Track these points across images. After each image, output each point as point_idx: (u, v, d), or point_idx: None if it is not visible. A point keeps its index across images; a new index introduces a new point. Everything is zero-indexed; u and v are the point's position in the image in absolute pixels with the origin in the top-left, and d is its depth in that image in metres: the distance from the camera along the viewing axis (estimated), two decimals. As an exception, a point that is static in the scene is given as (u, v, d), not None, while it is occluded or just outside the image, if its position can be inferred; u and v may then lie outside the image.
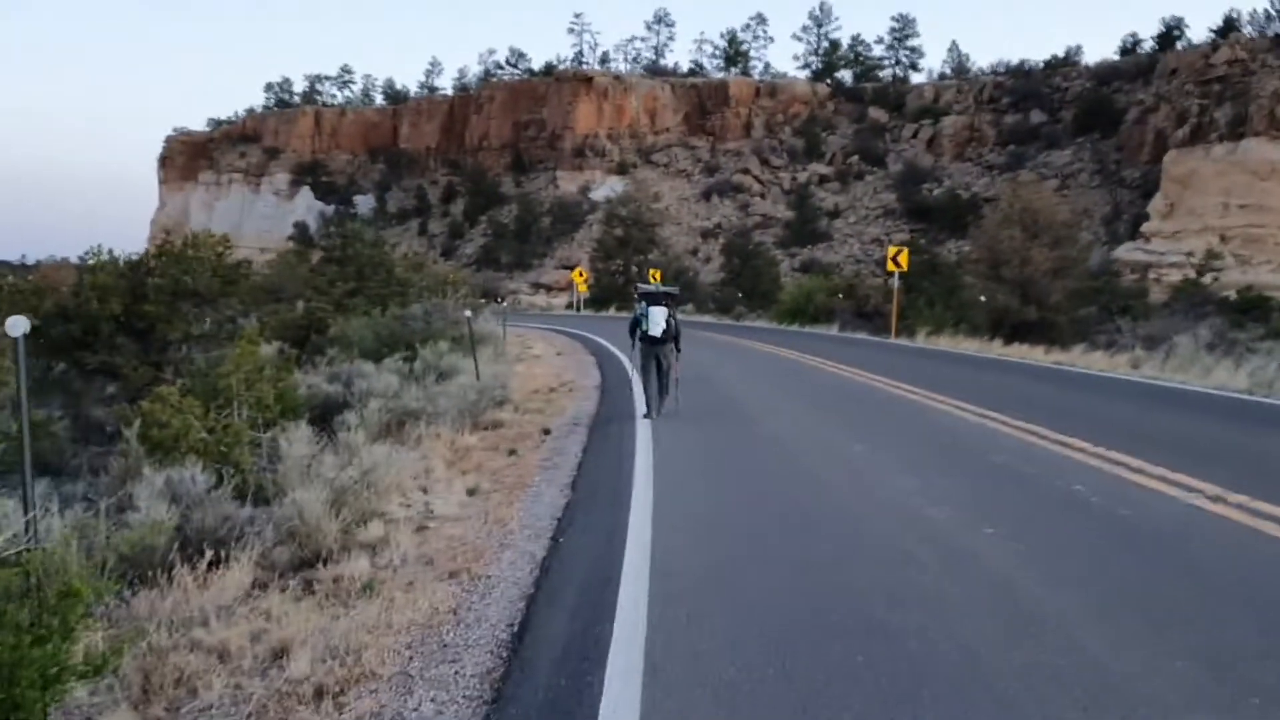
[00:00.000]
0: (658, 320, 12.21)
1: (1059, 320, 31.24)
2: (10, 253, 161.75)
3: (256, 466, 9.25)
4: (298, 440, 8.98)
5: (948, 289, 39.23)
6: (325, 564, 6.71)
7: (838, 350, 25.57)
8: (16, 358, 5.00)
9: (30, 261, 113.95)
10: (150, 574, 6.45)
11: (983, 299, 31.90)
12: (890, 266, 33.97)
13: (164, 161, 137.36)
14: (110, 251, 12.92)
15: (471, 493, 8.78)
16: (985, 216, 39.49)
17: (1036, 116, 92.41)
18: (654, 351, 12.32)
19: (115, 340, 12.22)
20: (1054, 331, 30.59)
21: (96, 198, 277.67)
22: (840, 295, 40.69)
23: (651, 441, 10.78)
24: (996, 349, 26.42)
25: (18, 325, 4.89)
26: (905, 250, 34.52)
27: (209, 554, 6.63)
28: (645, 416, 12.33)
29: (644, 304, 12.36)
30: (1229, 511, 6.94)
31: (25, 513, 5.10)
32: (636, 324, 12.46)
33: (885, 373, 18.26)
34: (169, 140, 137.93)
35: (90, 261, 12.50)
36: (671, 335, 12.33)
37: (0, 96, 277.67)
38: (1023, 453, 9.57)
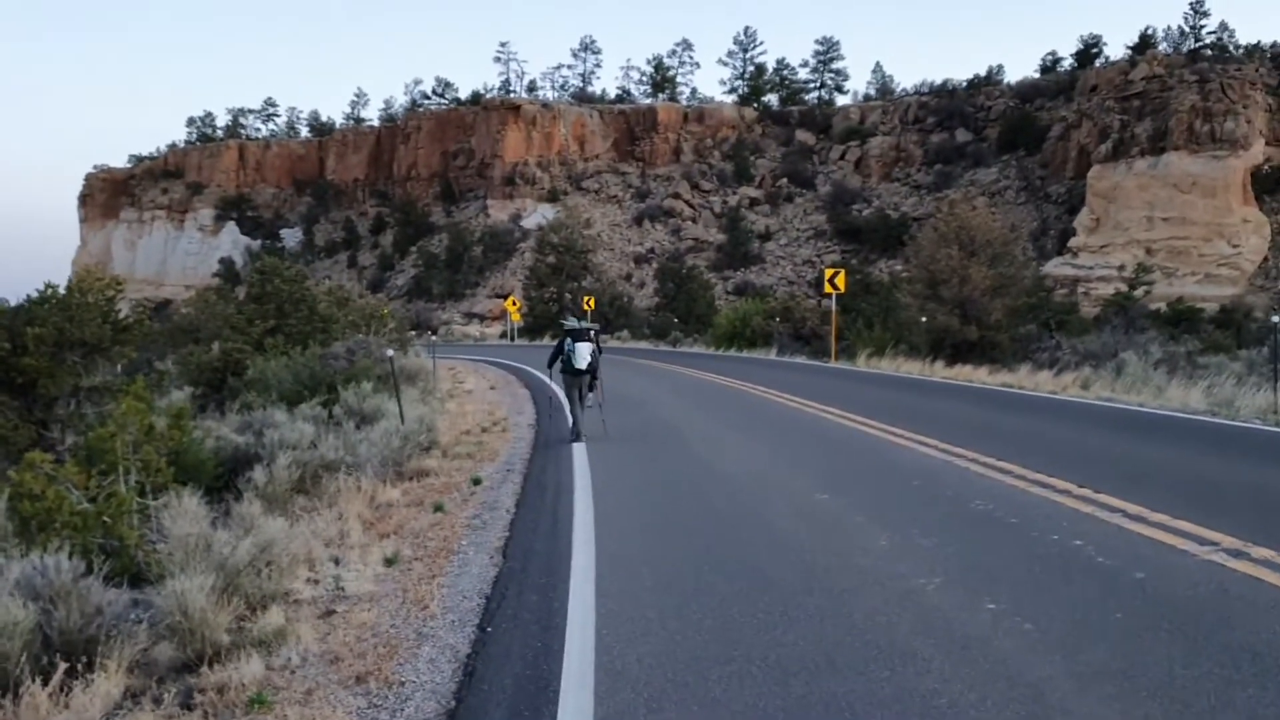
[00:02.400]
0: (583, 354, 13.66)
1: (1000, 339, 30.81)
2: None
3: (145, 540, 8.13)
4: (183, 514, 7.83)
5: (885, 309, 38.85)
6: (211, 666, 5.61)
7: (779, 376, 24.82)
8: None
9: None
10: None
11: (923, 319, 31.40)
12: (827, 289, 33.43)
13: (84, 199, 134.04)
14: (-21, 299, 11.69)
15: (390, 562, 7.72)
16: (917, 235, 39.18)
17: (962, 135, 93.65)
18: (578, 381, 13.85)
19: (-10, 397, 10.95)
20: (995, 351, 30.15)
21: (15, 238, 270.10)
22: (777, 318, 40.06)
23: (592, 491, 9.84)
24: (940, 371, 25.86)
25: None
26: (843, 272, 34.00)
27: (65, 665, 5.51)
28: (573, 439, 13.47)
29: (569, 340, 13.79)
30: (1259, 571, 6.07)
31: None
32: (559, 357, 14.00)
33: (833, 401, 17.49)
34: (89, 177, 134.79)
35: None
36: (595, 367, 13.86)
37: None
38: (1003, 497, 8.70)
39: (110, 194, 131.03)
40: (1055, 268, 68.19)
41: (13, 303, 12.65)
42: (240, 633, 6.12)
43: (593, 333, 14.09)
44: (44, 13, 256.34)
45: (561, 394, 15.16)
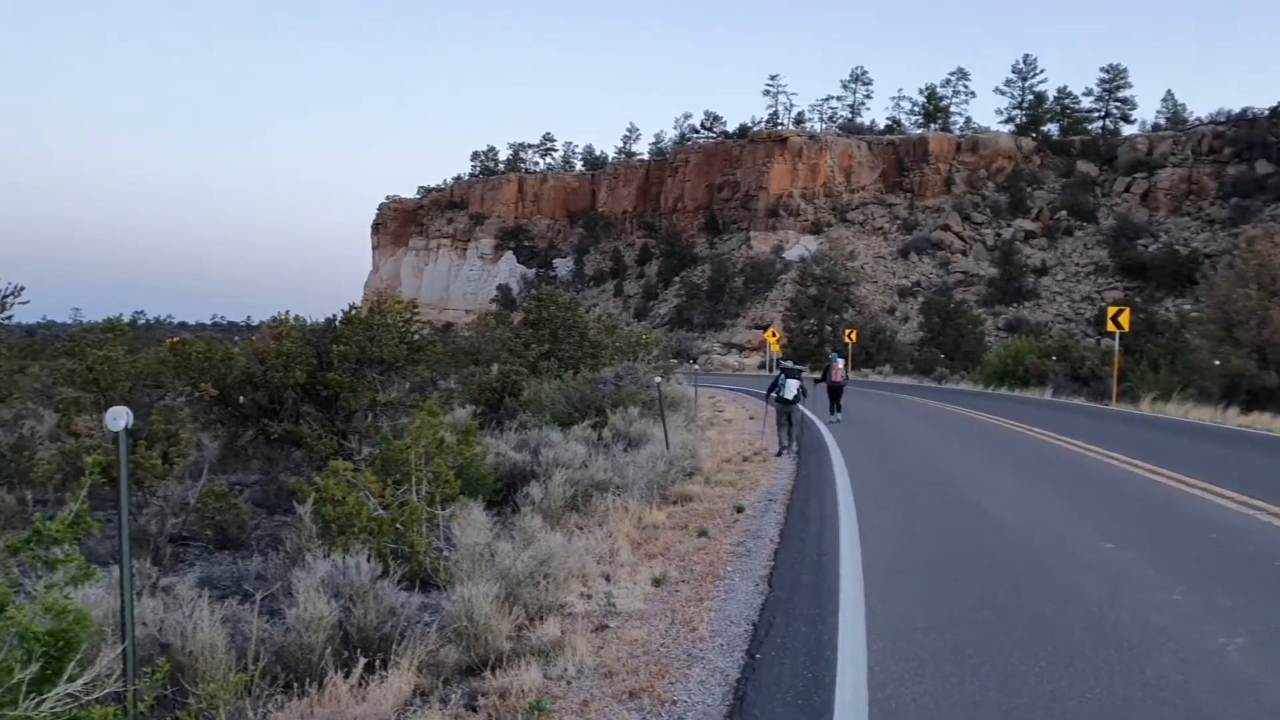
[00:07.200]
0: (790, 388, 17.48)
1: (1304, 386, 28.03)
2: (237, 314, 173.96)
3: (433, 547, 8.68)
4: (470, 525, 8.30)
5: (1172, 351, 36.28)
6: (494, 671, 5.90)
7: (1055, 418, 23.59)
8: (118, 450, 4.41)
9: (254, 323, 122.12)
10: (303, 680, 5.75)
11: (1216, 363, 29.05)
12: (1110, 327, 31.49)
13: (377, 227, 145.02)
14: (296, 317, 12.84)
15: (658, 583, 7.89)
16: (1211, 274, 36.35)
17: (1263, 167, 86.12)
18: (786, 409, 17.42)
19: (300, 408, 12.00)
20: (1297, 399, 27.47)
21: (316, 260, 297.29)
22: (1053, 357, 38.07)
23: (858, 526, 9.69)
24: (1234, 419, 23.84)
25: (118, 418, 4.33)
26: (1127, 310, 31.94)
27: (364, 660, 5.92)
28: (777, 455, 16.82)
29: (783, 376, 17.88)
30: None
31: (122, 638, 4.44)
32: (774, 388, 17.78)
33: (1116, 446, 16.46)
34: (382, 207, 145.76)
35: (275, 329, 12.39)
36: (800, 399, 17.66)
37: (227, 164, 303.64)
38: (1317, 558, 7.93)
39: (401, 223, 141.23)
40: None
41: (310, 320, 13.83)
42: (519, 641, 6.41)
43: (800, 373, 18.34)
44: (349, 60, 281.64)
45: (774, 416, 18.23)
